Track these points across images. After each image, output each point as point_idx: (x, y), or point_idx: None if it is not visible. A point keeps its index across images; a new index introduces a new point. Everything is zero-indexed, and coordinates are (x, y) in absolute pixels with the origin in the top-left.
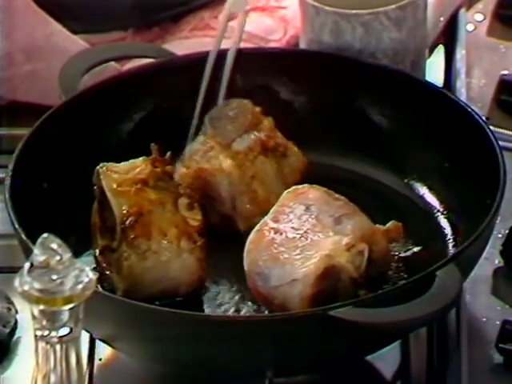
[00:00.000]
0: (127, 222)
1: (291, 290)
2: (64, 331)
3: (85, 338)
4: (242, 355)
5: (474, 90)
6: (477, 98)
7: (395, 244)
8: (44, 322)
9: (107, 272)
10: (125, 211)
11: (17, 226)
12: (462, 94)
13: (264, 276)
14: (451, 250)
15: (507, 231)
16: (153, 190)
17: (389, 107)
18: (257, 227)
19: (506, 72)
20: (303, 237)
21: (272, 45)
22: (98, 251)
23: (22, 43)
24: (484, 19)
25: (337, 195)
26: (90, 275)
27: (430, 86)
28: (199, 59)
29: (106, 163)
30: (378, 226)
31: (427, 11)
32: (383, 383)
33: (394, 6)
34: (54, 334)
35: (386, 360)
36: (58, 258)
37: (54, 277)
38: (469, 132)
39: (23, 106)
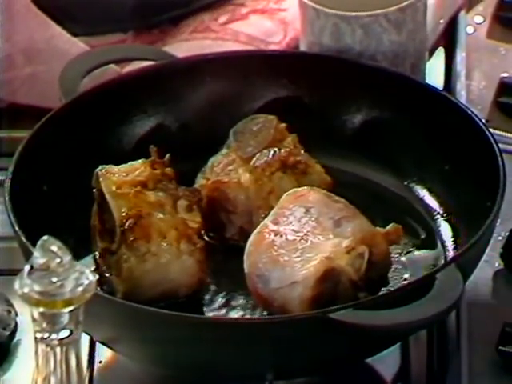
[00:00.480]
0: (126, 225)
1: (291, 292)
2: (64, 334)
3: (85, 340)
4: (241, 358)
5: (474, 92)
6: (477, 101)
7: (395, 246)
8: (44, 325)
9: (107, 274)
10: (124, 213)
11: (17, 228)
12: (461, 96)
13: (264, 278)
14: (451, 252)
15: (507, 234)
16: (152, 193)
17: (389, 110)
18: (257, 229)
19: (505, 74)
20: (303, 239)
21: (272, 47)
22: (97, 254)
23: (23, 45)
24: (484, 21)
25: (337, 198)
26: (90, 277)
27: (430, 89)
28: (199, 61)
29: (105, 166)
30: (377, 228)
31: (427, 13)
32: None
33: (393, 9)
34: (54, 336)
35: (386, 362)
36: (58, 260)
37: (54, 279)
38: (469, 134)
39: (23, 108)
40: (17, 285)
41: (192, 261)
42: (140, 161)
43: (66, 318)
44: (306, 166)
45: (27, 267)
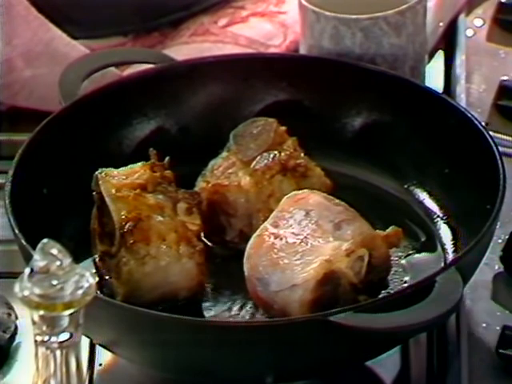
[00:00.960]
0: (126, 227)
1: (291, 295)
2: (64, 336)
3: (85, 343)
4: (241, 360)
5: (474, 95)
6: (476, 104)
7: (395, 249)
8: (44, 328)
9: (107, 277)
10: (123, 216)
11: (17, 231)
12: (461, 99)
13: (264, 281)
14: (451, 255)
15: (507, 237)
16: (151, 195)
17: (388, 113)
18: (257, 232)
19: (505, 77)
20: (303, 242)
21: (272, 50)
22: (97, 257)
23: (23, 49)
24: (483, 24)
25: (337, 200)
26: (90, 280)
27: (430, 92)
28: (199, 64)
29: (104, 169)
30: (377, 231)
31: (427, 16)
32: None
33: (393, 12)
34: (54, 339)
35: (386, 365)
36: (58, 263)
37: (54, 282)
38: (468, 137)
39: (23, 111)
40: (17, 288)
41: (192, 263)
42: (139, 164)
43: (65, 321)
44: (306, 169)
45: (27, 270)
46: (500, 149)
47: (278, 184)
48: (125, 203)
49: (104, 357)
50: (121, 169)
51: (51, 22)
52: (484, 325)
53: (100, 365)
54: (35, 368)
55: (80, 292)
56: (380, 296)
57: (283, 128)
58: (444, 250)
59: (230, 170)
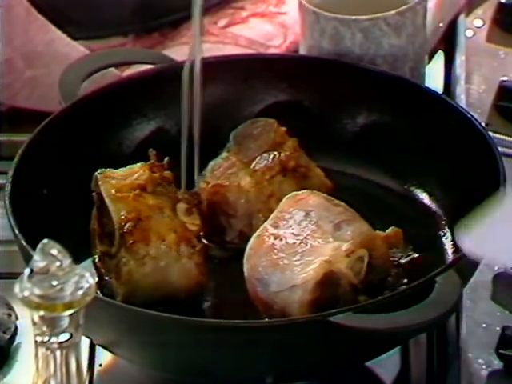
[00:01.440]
0: (125, 228)
1: (291, 295)
2: (64, 337)
3: (85, 343)
4: (241, 361)
5: (474, 96)
6: (476, 104)
7: (395, 250)
8: (44, 328)
9: (106, 278)
10: (123, 217)
11: (17, 231)
12: (461, 100)
13: (264, 282)
14: (451, 256)
15: None
16: (151, 196)
17: (388, 113)
18: (257, 233)
19: (505, 78)
20: (303, 242)
21: (272, 51)
22: (97, 257)
23: (23, 49)
24: (483, 25)
25: (336, 201)
26: (90, 281)
27: (430, 92)
28: None
29: (104, 169)
30: (377, 231)
31: (426, 17)
32: None
33: (393, 12)
34: (54, 339)
35: (385, 366)
36: (58, 263)
37: (54, 283)
38: (468, 138)
39: (23, 112)
40: (17, 288)
41: (191, 264)
42: (139, 164)
43: (65, 322)
44: (306, 169)
45: (27, 271)
46: (500, 149)
47: (277, 184)
48: (124, 204)
49: (104, 357)
50: (120, 169)
51: (51, 23)
52: (484, 325)
53: (100, 365)
54: (35, 368)
55: (80, 292)
56: (380, 297)
57: (283, 128)
58: (444, 250)
59: (230, 171)
